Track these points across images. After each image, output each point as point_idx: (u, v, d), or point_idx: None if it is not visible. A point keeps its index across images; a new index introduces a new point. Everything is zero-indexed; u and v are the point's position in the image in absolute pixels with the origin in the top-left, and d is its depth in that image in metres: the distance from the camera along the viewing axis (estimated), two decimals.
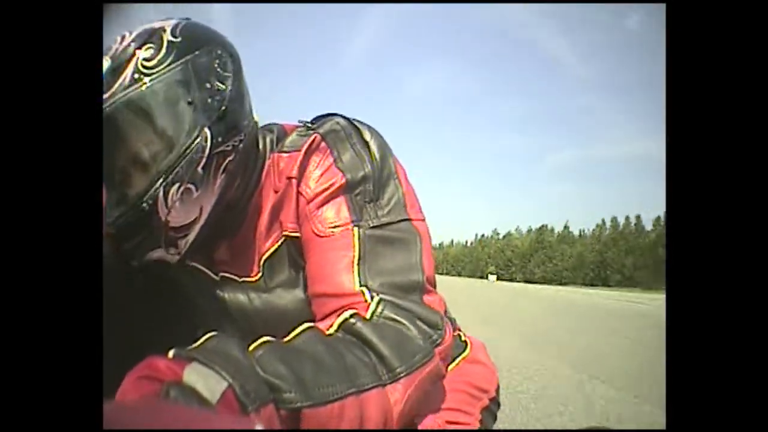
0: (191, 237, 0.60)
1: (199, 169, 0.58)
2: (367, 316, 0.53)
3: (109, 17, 0.47)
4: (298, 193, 0.62)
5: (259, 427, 0.38)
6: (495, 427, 0.76)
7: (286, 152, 0.65)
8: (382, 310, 0.54)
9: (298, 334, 0.50)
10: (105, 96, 0.55)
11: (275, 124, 0.71)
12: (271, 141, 0.68)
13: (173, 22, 0.60)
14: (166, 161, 0.57)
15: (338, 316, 0.53)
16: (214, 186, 0.60)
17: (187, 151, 0.57)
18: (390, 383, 0.50)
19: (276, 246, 0.66)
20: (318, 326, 0.52)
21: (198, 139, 0.58)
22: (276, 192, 0.65)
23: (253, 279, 0.68)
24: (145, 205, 0.56)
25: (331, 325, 0.52)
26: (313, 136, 0.64)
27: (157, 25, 0.60)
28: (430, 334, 0.55)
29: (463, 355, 0.75)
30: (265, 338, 0.48)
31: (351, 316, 0.53)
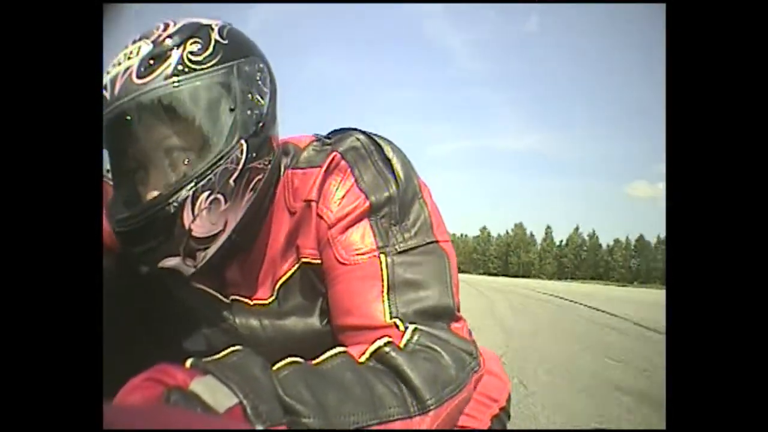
0: (211, 251, 0.57)
1: (231, 180, 0.55)
2: (402, 344, 0.51)
3: (109, 17, 0.47)
4: (318, 216, 0.59)
5: (259, 427, 0.38)
6: None
7: (300, 169, 0.62)
8: (418, 338, 0.52)
9: (328, 359, 0.49)
10: (143, 81, 0.53)
11: (289, 143, 0.68)
12: (285, 165, 0.65)
13: (219, 23, 0.59)
14: (201, 165, 0.54)
15: (371, 343, 0.51)
16: (242, 201, 0.57)
17: (223, 159, 0.55)
18: (418, 415, 0.48)
19: (292, 271, 0.63)
20: (350, 352, 0.50)
21: (235, 149, 0.55)
22: (292, 213, 0.62)
23: (266, 302, 0.65)
24: (170, 208, 0.53)
25: (363, 353, 0.51)
26: (332, 155, 0.61)
27: (203, 21, 0.58)
28: (468, 362, 0.53)
29: None
30: (293, 359, 0.46)
31: (385, 344, 0.51)
